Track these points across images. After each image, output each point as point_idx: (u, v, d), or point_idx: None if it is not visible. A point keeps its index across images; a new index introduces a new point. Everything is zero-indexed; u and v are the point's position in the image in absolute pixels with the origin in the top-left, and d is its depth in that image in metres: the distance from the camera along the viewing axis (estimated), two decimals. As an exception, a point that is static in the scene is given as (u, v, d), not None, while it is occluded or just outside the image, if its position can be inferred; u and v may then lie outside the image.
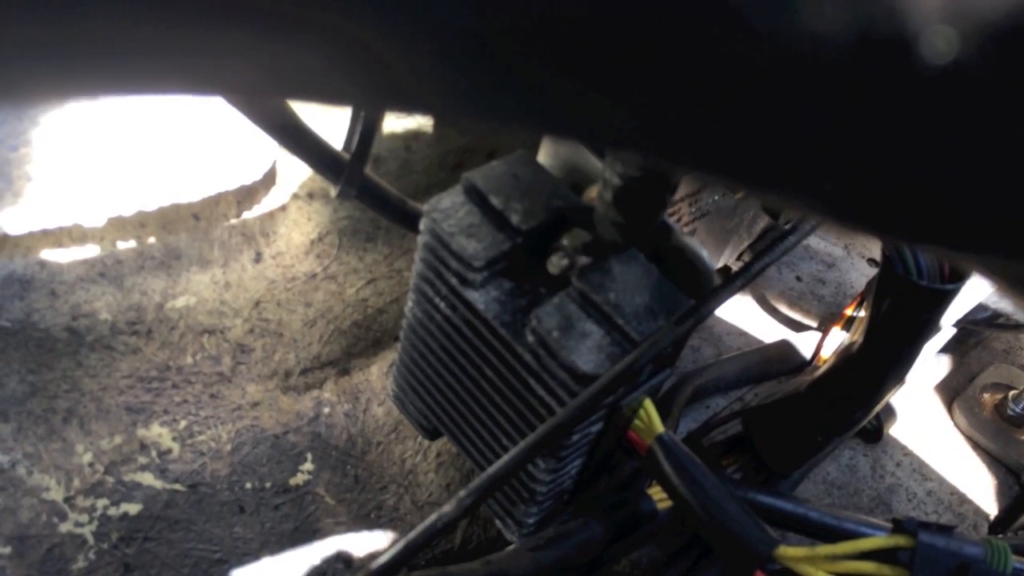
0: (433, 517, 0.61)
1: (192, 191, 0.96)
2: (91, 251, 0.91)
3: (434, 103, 0.19)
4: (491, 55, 0.15)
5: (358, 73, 0.18)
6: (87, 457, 0.88)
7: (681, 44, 0.14)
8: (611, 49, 0.14)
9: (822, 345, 1.10)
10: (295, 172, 1.02)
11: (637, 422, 0.71)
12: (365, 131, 0.66)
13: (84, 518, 0.85)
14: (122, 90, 0.19)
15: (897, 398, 1.07)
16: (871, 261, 1.33)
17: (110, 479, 0.87)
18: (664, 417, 0.72)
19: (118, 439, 0.90)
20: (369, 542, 0.94)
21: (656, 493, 0.76)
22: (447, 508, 0.61)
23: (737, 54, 0.14)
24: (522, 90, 0.16)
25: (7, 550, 0.81)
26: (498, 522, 0.79)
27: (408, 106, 0.21)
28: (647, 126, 0.16)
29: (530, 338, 0.63)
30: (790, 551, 0.66)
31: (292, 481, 0.94)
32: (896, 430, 1.12)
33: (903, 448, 1.11)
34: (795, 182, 0.16)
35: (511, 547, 0.76)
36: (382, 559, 0.61)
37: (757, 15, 0.13)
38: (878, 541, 0.67)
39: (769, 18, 0.13)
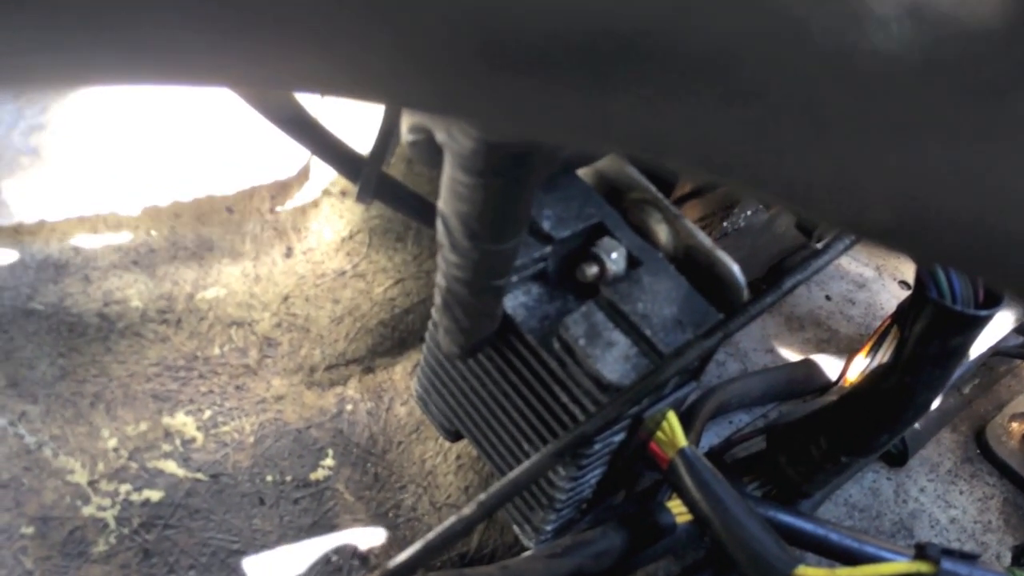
0: (452, 519, 0.61)
1: (227, 184, 0.97)
2: (125, 239, 0.92)
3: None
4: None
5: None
6: (112, 442, 0.89)
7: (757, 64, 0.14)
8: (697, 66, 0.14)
9: (849, 366, 1.09)
10: (329, 169, 1.03)
11: (660, 434, 0.71)
12: (383, 133, 0.67)
13: (107, 502, 0.86)
14: (193, 80, 0.19)
15: (923, 422, 1.06)
16: (903, 283, 1.31)
17: (134, 465, 0.88)
18: (687, 431, 0.72)
19: (143, 426, 0.91)
20: (386, 540, 0.94)
21: (676, 507, 0.76)
22: (467, 510, 0.61)
23: (805, 72, 0.14)
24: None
25: (30, 530, 0.82)
26: (516, 527, 0.79)
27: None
28: (713, 144, 0.16)
29: (556, 345, 0.63)
30: (809, 572, 0.66)
31: (312, 476, 0.95)
32: (921, 455, 1.10)
33: (927, 474, 1.09)
34: (851, 205, 0.16)
35: (527, 553, 0.75)
36: (400, 558, 0.61)
37: (826, 35, 0.13)
38: (899, 567, 0.67)
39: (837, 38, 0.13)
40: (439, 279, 0.57)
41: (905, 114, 0.14)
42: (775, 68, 0.14)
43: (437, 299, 0.59)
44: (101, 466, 0.87)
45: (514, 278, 0.66)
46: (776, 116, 0.15)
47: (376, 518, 0.95)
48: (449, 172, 0.48)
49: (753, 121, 0.15)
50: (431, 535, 0.62)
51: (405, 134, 0.53)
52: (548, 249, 0.66)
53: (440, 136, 0.47)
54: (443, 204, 0.51)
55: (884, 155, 0.14)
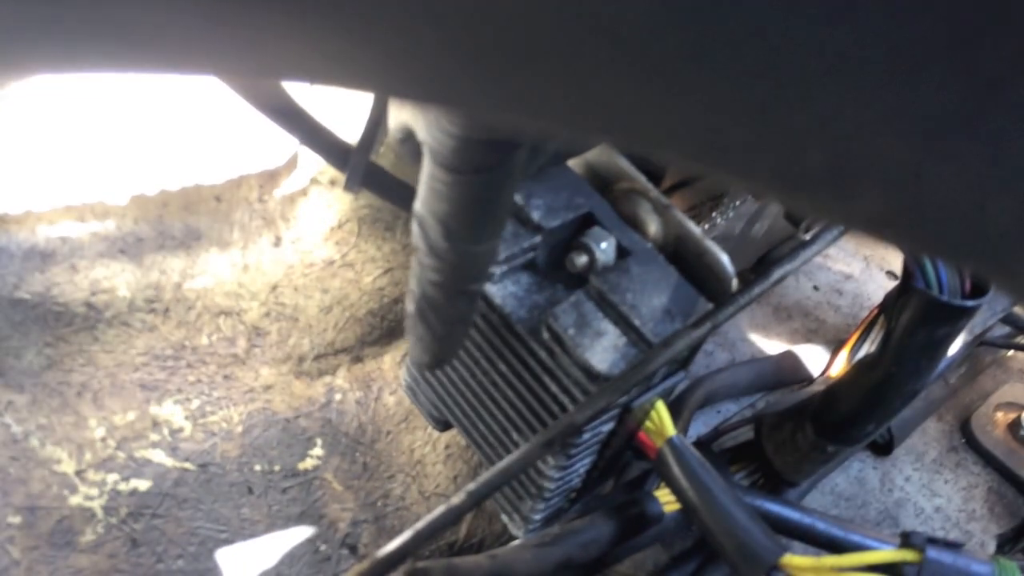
0: (442, 508, 0.61)
1: (215, 173, 0.96)
2: (112, 228, 0.92)
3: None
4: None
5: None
6: (99, 432, 0.88)
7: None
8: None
9: (836, 356, 1.09)
10: (317, 158, 1.02)
11: (648, 424, 0.71)
12: (371, 122, 0.67)
13: (94, 492, 0.85)
14: (176, 69, 0.19)
15: (909, 412, 1.07)
16: (890, 274, 1.32)
17: (121, 455, 0.88)
18: (675, 420, 0.72)
19: (131, 415, 0.90)
20: (374, 530, 0.94)
21: (664, 495, 0.76)
22: (456, 500, 0.61)
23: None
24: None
25: (17, 520, 0.81)
26: (504, 517, 0.79)
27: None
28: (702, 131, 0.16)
29: (545, 335, 0.63)
30: (796, 560, 0.66)
31: (301, 465, 0.95)
32: (907, 444, 1.11)
33: (913, 463, 1.10)
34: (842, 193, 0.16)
35: (516, 542, 0.76)
36: (389, 547, 0.61)
37: None
38: (885, 555, 0.67)
39: None
40: (412, 285, 0.57)
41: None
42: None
43: (410, 306, 0.59)
44: (88, 456, 0.87)
45: (503, 268, 0.66)
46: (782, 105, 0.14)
47: (365, 507, 0.95)
48: (427, 170, 0.47)
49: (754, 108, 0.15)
50: (420, 524, 0.62)
51: (392, 132, 0.52)
52: (537, 239, 0.66)
53: (420, 133, 0.46)
54: (420, 204, 0.50)
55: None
